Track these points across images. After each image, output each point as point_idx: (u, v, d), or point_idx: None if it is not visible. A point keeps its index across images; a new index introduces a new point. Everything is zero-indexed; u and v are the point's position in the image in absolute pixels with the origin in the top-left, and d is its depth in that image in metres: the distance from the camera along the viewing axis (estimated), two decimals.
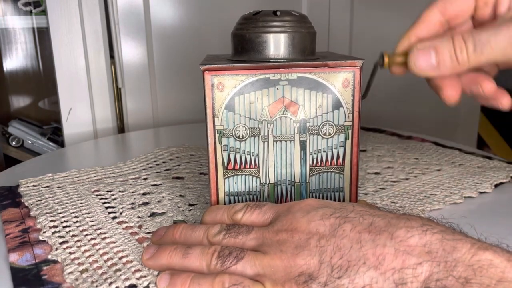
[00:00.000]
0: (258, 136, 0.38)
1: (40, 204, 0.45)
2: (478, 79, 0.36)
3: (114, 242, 0.37)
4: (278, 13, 0.38)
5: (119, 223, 0.41)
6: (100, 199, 0.47)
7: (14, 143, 1.11)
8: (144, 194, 0.49)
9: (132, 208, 0.45)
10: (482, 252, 0.25)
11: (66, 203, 0.45)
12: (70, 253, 0.36)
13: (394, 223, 0.28)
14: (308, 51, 0.40)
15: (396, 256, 0.27)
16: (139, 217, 0.43)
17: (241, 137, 0.38)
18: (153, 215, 0.43)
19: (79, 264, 0.34)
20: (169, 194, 0.49)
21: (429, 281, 0.25)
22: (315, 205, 0.32)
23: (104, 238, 0.38)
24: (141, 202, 0.46)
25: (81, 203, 0.45)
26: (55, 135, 1.13)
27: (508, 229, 0.39)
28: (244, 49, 0.39)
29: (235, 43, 0.40)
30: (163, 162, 0.60)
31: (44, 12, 0.85)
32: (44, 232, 0.39)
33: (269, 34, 0.38)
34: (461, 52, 0.32)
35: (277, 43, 0.38)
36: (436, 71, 0.34)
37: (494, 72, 0.39)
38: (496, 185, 0.49)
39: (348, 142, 0.39)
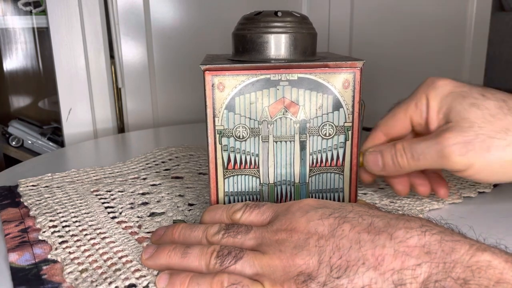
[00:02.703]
0: (258, 136, 0.38)
1: (40, 204, 0.45)
2: (415, 183, 0.43)
3: (114, 242, 0.38)
4: (279, 13, 0.38)
5: (118, 222, 0.41)
6: (100, 199, 0.47)
7: (14, 143, 1.11)
8: (143, 194, 0.49)
9: (132, 208, 0.45)
10: (480, 253, 0.25)
11: (66, 203, 0.45)
12: (69, 252, 0.36)
13: (393, 223, 0.29)
14: (309, 52, 0.40)
15: (395, 257, 0.27)
16: (138, 217, 0.43)
17: (241, 137, 0.38)
18: (152, 215, 0.43)
19: (78, 263, 0.34)
20: (168, 194, 0.49)
21: (428, 282, 0.25)
22: (314, 205, 0.32)
23: (103, 238, 0.38)
24: (140, 202, 0.46)
25: (80, 203, 0.45)
26: (55, 135, 1.13)
27: (507, 230, 0.39)
28: (245, 49, 0.39)
29: (236, 43, 0.40)
30: (163, 162, 0.60)
31: (44, 12, 0.85)
32: (44, 231, 0.39)
33: (270, 34, 0.38)
34: (401, 158, 0.39)
35: (278, 44, 0.38)
36: (383, 171, 0.41)
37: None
38: (495, 185, 0.49)
39: (348, 143, 0.39)
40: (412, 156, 0.38)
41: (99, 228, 0.40)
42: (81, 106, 0.84)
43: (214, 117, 0.37)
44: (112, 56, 0.85)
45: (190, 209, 0.45)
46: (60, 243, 0.37)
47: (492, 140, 0.35)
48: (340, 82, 0.38)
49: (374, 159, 0.41)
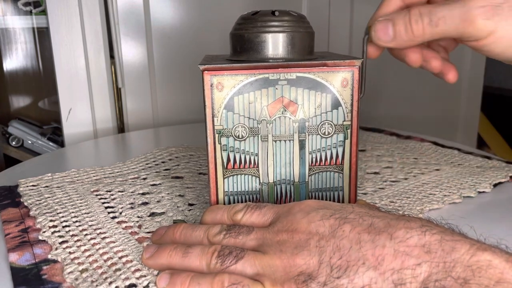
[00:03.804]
0: (258, 136, 0.38)
1: (40, 204, 0.45)
2: (427, 56, 0.40)
3: (114, 242, 0.38)
4: (277, 13, 0.38)
5: (118, 222, 0.41)
6: (100, 199, 0.47)
7: (14, 143, 1.11)
8: (143, 194, 0.49)
9: (132, 208, 0.45)
10: (481, 252, 0.25)
11: (66, 203, 0.46)
12: (70, 252, 0.36)
13: (393, 224, 0.29)
14: (307, 51, 0.40)
15: (395, 257, 0.27)
16: (138, 217, 0.43)
17: (240, 136, 0.38)
18: (152, 214, 0.44)
19: (79, 263, 0.34)
20: (168, 194, 0.49)
21: (428, 282, 0.25)
22: (315, 206, 0.32)
23: (103, 238, 0.38)
24: (140, 202, 0.46)
25: (80, 203, 0.46)
26: (55, 135, 1.13)
27: (507, 229, 0.39)
28: (243, 49, 0.39)
29: (234, 43, 0.40)
30: (162, 162, 0.60)
31: (44, 12, 0.85)
32: (44, 231, 0.39)
33: (267, 34, 0.38)
34: (416, 24, 0.35)
35: (275, 43, 0.38)
36: (393, 41, 0.37)
37: (452, 48, 0.42)
38: (495, 185, 0.49)
39: (347, 142, 0.39)
40: (430, 21, 0.35)
41: (99, 228, 0.40)
42: (81, 106, 0.84)
43: (213, 117, 0.37)
44: (112, 56, 0.85)
45: (190, 209, 0.45)
46: (60, 243, 0.37)
47: None
48: (339, 81, 0.38)
49: (384, 27, 0.37)
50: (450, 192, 0.47)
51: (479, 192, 0.48)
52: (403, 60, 0.41)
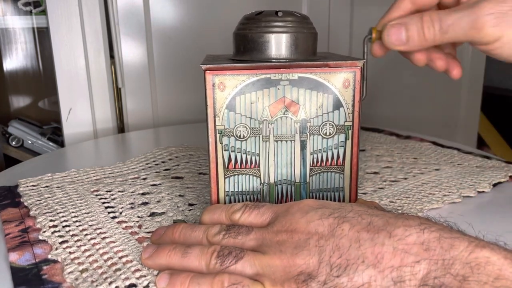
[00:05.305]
0: (259, 136, 0.38)
1: (40, 204, 0.45)
2: (433, 56, 0.41)
3: (114, 242, 0.38)
4: (280, 13, 0.38)
5: (118, 222, 0.41)
6: (100, 199, 0.47)
7: (14, 143, 1.11)
8: (143, 194, 0.49)
9: (132, 208, 0.45)
10: (479, 249, 0.25)
11: (66, 203, 0.45)
12: (70, 252, 0.36)
13: (392, 222, 0.29)
14: (310, 52, 0.40)
15: (394, 255, 0.27)
16: (138, 217, 0.43)
17: (241, 136, 0.38)
18: (152, 214, 0.43)
19: (79, 263, 0.34)
20: (168, 194, 0.49)
21: (427, 279, 0.25)
22: (313, 205, 0.32)
23: (104, 238, 0.38)
24: (140, 202, 0.46)
25: (80, 203, 0.45)
26: (55, 135, 1.13)
27: (506, 227, 0.39)
28: (246, 49, 0.39)
29: (237, 43, 0.40)
30: (163, 162, 0.60)
31: (44, 12, 0.85)
32: (44, 231, 0.39)
33: (271, 34, 0.38)
34: (428, 31, 0.37)
35: (278, 43, 0.38)
36: (406, 45, 0.38)
37: (460, 43, 0.43)
38: (494, 185, 0.49)
39: (348, 142, 0.39)
40: (440, 28, 0.36)
41: (99, 228, 0.40)
42: (81, 106, 0.84)
43: (214, 116, 0.37)
44: (112, 56, 0.85)
45: (191, 209, 0.45)
46: (61, 243, 0.37)
47: None
48: (341, 81, 0.38)
49: (397, 31, 0.38)
50: (449, 192, 0.47)
51: (479, 192, 0.48)
52: (408, 58, 0.42)
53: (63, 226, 0.40)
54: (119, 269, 0.33)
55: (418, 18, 0.37)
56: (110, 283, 0.32)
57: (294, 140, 0.39)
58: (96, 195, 0.48)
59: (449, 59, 0.42)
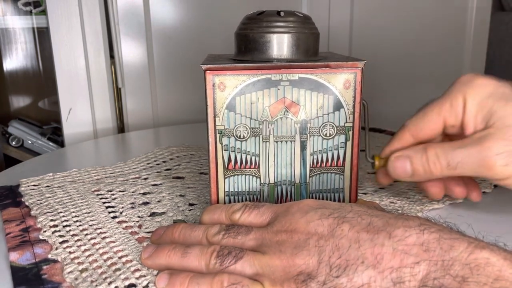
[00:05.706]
0: (259, 136, 0.38)
1: (41, 203, 0.45)
2: (450, 185, 0.41)
3: (114, 242, 0.38)
4: (282, 13, 0.38)
5: (119, 222, 0.41)
6: (101, 198, 0.47)
7: (14, 143, 1.11)
8: (144, 193, 0.49)
9: (132, 207, 0.45)
10: (479, 250, 0.25)
11: (67, 202, 0.46)
12: (70, 252, 0.36)
13: (392, 222, 0.29)
14: (311, 52, 0.40)
15: (394, 255, 0.27)
16: (139, 217, 0.43)
17: (241, 137, 0.38)
18: (153, 214, 0.44)
19: (79, 263, 0.34)
20: (169, 193, 0.49)
21: (427, 280, 0.25)
22: (313, 205, 0.32)
23: (104, 238, 0.38)
24: (141, 202, 0.46)
25: (81, 202, 0.46)
26: (55, 135, 1.13)
27: (506, 228, 0.39)
28: (247, 49, 0.39)
29: (239, 43, 0.40)
30: (163, 162, 0.60)
31: (44, 12, 0.85)
32: (45, 231, 0.39)
33: (272, 34, 0.38)
34: (434, 165, 0.37)
35: (280, 44, 0.38)
36: (412, 178, 0.38)
37: None
38: (495, 185, 0.49)
39: (349, 143, 0.39)
40: (448, 164, 0.36)
41: (100, 228, 0.40)
42: (81, 106, 0.84)
43: (214, 116, 0.37)
44: (112, 56, 0.85)
45: (191, 209, 0.45)
46: (61, 242, 0.37)
47: None
48: (341, 82, 0.38)
49: (402, 165, 0.38)
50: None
51: None
52: (425, 192, 0.42)
53: (64, 226, 0.40)
54: (118, 269, 0.33)
55: (422, 151, 0.37)
56: (110, 283, 0.32)
57: (294, 141, 0.39)
58: (97, 194, 0.48)
59: (468, 184, 0.41)
